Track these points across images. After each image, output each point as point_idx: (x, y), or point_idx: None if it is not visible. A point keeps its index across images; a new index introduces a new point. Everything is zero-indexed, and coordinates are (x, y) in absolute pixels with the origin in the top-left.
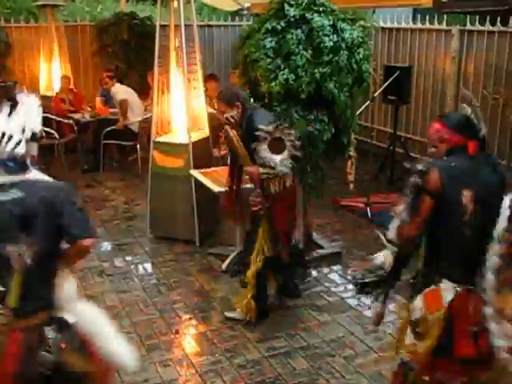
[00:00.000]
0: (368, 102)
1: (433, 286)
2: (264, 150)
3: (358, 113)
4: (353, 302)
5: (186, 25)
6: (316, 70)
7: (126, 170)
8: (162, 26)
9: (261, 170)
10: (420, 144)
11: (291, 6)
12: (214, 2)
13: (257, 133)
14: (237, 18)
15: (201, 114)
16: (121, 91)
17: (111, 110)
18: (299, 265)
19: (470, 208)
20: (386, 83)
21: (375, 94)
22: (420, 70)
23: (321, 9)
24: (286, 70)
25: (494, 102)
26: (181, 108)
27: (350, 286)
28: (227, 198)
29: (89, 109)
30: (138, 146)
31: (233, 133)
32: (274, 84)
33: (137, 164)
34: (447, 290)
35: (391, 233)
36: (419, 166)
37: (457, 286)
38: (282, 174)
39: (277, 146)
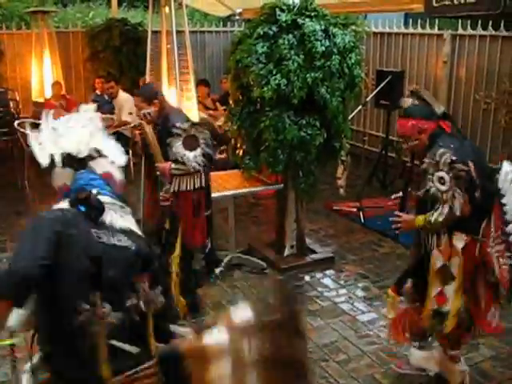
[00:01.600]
0: (360, 107)
1: (445, 239)
2: (178, 146)
3: (350, 117)
4: (346, 306)
5: (177, 31)
6: (308, 75)
7: None
8: (154, 32)
9: (173, 165)
10: None
11: (283, 11)
12: (205, 8)
13: (173, 129)
14: (228, 23)
15: (193, 120)
16: (129, 102)
17: (103, 116)
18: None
19: (475, 175)
20: (378, 88)
21: (367, 99)
22: (412, 74)
23: (312, 14)
24: (278, 75)
25: (486, 107)
26: None
27: (343, 291)
28: (147, 203)
29: None
30: (131, 152)
31: (148, 128)
32: (265, 89)
33: (129, 169)
34: (458, 240)
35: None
36: (453, 157)
37: (465, 236)
38: (194, 172)
39: (191, 143)
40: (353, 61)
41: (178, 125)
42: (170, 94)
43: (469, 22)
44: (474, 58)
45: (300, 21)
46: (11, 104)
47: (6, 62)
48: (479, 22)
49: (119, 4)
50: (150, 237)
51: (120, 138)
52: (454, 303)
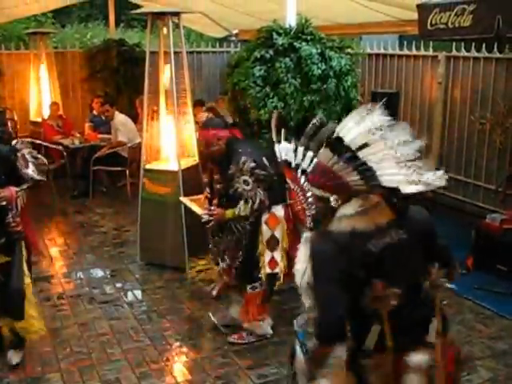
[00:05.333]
0: None
1: (266, 214)
2: (22, 166)
3: None
4: None
5: (175, 51)
6: (304, 98)
7: (115, 195)
8: (152, 53)
9: (17, 189)
10: None
11: (279, 34)
12: (202, 29)
13: (11, 154)
14: (224, 43)
15: (190, 141)
16: (126, 124)
17: (100, 136)
18: None
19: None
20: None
21: None
22: (407, 95)
23: (309, 37)
24: (275, 98)
25: (481, 127)
26: (170, 135)
27: None
28: None
29: (78, 135)
30: (128, 172)
31: None
32: (262, 112)
33: (126, 190)
34: (278, 211)
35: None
36: (253, 164)
37: (283, 205)
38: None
39: (24, 162)
40: (349, 83)
41: (16, 148)
42: (167, 115)
43: (463, 43)
44: (468, 80)
45: (296, 44)
46: (9, 123)
47: (4, 81)
48: (473, 43)
49: (117, 24)
50: None
51: (117, 158)
52: (281, 263)
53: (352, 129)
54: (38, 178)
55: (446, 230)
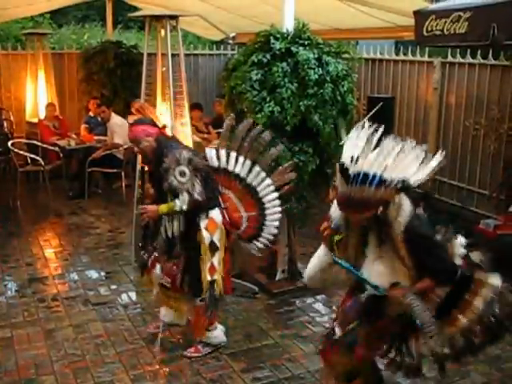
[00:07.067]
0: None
1: (205, 219)
2: None
3: (342, 143)
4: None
5: (172, 54)
6: (301, 103)
7: (110, 197)
8: (149, 55)
9: None
10: None
11: (277, 39)
12: (200, 32)
13: None
14: (221, 46)
15: (187, 143)
16: (123, 126)
17: (96, 138)
18: None
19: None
20: (370, 114)
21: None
22: (403, 100)
23: (306, 42)
24: (272, 103)
25: (476, 133)
26: None
27: (335, 316)
28: None
29: (74, 136)
30: (123, 174)
31: None
32: (259, 116)
33: (121, 191)
34: (216, 215)
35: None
36: (189, 154)
37: (219, 210)
38: None
39: None
40: (345, 88)
41: None
42: (163, 117)
43: (458, 50)
44: (463, 85)
45: (294, 49)
46: (5, 124)
47: (0, 82)
48: (468, 50)
49: (114, 26)
50: None
51: (112, 159)
52: (219, 270)
53: (364, 154)
54: None
55: None
